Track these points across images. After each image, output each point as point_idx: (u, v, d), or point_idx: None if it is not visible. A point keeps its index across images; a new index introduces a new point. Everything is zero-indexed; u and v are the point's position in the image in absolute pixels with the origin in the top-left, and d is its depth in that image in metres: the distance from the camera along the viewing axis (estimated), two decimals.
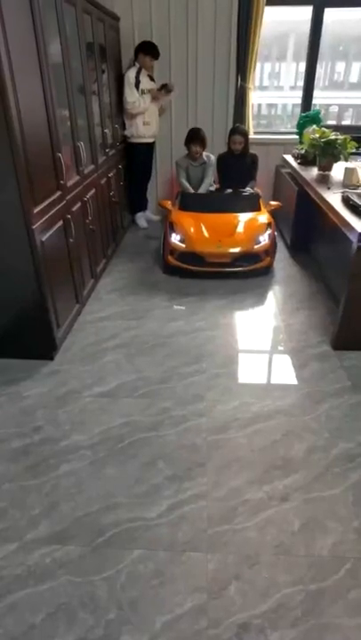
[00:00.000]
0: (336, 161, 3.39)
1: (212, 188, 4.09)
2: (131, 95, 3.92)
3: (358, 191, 2.79)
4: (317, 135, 3.41)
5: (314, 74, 4.51)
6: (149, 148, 4.34)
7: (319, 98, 6.61)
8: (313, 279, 3.45)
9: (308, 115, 4.09)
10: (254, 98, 4.55)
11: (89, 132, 3.09)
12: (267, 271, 3.50)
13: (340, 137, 3.31)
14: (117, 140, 3.98)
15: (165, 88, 4.14)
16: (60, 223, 2.47)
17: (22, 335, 2.41)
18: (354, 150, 3.77)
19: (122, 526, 1.58)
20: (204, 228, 3.41)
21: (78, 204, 2.80)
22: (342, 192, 2.79)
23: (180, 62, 4.28)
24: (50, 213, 2.31)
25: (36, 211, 2.14)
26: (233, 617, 1.32)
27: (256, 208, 3.69)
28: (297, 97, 4.72)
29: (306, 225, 3.77)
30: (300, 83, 4.65)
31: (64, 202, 2.53)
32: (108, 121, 3.67)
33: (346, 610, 1.34)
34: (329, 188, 3.00)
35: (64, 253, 2.56)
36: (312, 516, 1.61)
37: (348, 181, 3.06)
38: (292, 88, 5.80)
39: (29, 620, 1.32)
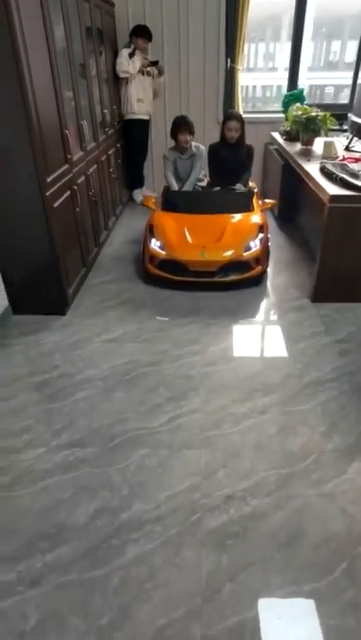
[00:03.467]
0: (317, 136, 3.69)
1: (203, 183, 3.82)
2: (120, 58, 4.15)
3: (334, 161, 3.11)
4: (300, 112, 3.70)
5: (299, 53, 4.77)
6: (145, 125, 4.61)
7: (314, 79, 6.80)
8: (297, 246, 3.77)
9: (292, 94, 4.37)
10: (248, 79, 4.81)
11: (90, 111, 3.38)
12: (258, 281, 3.11)
13: (321, 114, 3.61)
14: (115, 120, 4.25)
15: (156, 65, 4.40)
16: (68, 193, 2.78)
17: (37, 293, 2.74)
18: (336, 127, 4.10)
19: (130, 433, 1.94)
20: (187, 233, 3.06)
21: (82, 178, 3.10)
22: (320, 162, 3.11)
23: (171, 45, 4.53)
24: (59, 183, 2.62)
25: (48, 180, 2.45)
26: (220, 491, 1.68)
27: (248, 208, 3.36)
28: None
29: (291, 197, 4.08)
30: (306, 63, 4.88)
31: (71, 174, 2.83)
32: (108, 101, 3.95)
33: (310, 485, 1.70)
34: (309, 160, 3.31)
35: (72, 220, 2.87)
36: (286, 424, 1.97)
37: (327, 154, 3.37)
38: (287, 69, 6.01)
39: (59, 496, 1.68)
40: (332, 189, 2.62)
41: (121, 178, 4.50)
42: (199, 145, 3.65)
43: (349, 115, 4.20)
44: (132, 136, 4.57)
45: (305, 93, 4.43)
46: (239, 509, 1.61)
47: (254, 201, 3.44)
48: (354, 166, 3.03)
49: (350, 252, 2.70)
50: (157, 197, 3.77)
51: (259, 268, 3.05)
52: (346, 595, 1.36)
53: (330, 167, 2.90)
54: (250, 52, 6.16)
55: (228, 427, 1.96)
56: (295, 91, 4.47)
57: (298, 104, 4.00)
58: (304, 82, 5.81)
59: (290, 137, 4.01)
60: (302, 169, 3.20)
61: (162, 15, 4.40)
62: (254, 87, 6.97)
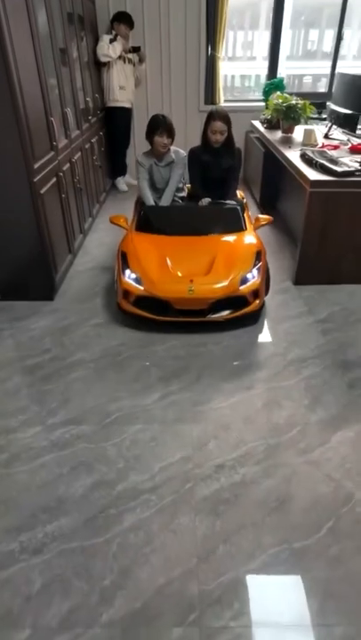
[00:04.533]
0: (297, 124, 3.77)
1: (183, 194, 3.24)
2: (100, 42, 4.14)
3: (314, 148, 3.20)
4: (280, 101, 3.77)
5: (279, 42, 4.83)
6: (127, 114, 4.62)
7: (293, 68, 6.85)
8: (280, 232, 3.86)
9: (272, 82, 4.44)
10: (228, 69, 4.85)
11: (74, 99, 3.38)
12: (255, 318, 2.60)
13: (301, 102, 3.69)
14: (98, 108, 4.25)
15: (138, 52, 4.40)
16: (54, 180, 2.81)
17: (25, 279, 2.76)
18: (316, 115, 4.19)
19: (124, 411, 2.00)
20: (169, 262, 2.50)
21: (67, 165, 3.12)
22: (300, 149, 3.19)
23: (152, 33, 4.54)
24: (46, 170, 2.64)
25: (35, 166, 2.47)
26: (212, 461, 1.77)
27: (240, 226, 2.81)
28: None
29: (273, 184, 4.16)
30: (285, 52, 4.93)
31: (56, 161, 2.85)
32: (90, 89, 3.95)
33: (296, 453, 1.80)
34: (290, 147, 3.39)
35: (58, 206, 2.90)
36: (272, 399, 2.06)
37: (307, 141, 3.45)
38: (266, 58, 6.02)
39: (58, 471, 1.74)
40: (313, 175, 2.71)
41: (104, 166, 4.51)
42: (179, 150, 3.08)
43: (328, 103, 4.29)
44: (115, 124, 4.57)
45: (285, 82, 4.50)
46: (230, 477, 1.70)
47: (246, 217, 2.95)
48: (333, 153, 3.12)
49: (330, 235, 2.80)
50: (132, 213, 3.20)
51: (257, 303, 2.51)
52: (331, 550, 1.46)
53: (310, 154, 2.99)
54: (229, 40, 6.17)
55: (217, 402, 2.04)
56: (275, 79, 4.54)
57: (278, 92, 4.06)
58: (283, 71, 5.88)
59: (270, 125, 4.08)
60: (283, 156, 3.27)
61: (142, 2, 4.39)
62: (233, 77, 7.00)
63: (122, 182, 4.94)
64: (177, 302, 2.40)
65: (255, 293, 2.50)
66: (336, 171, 2.68)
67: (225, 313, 2.46)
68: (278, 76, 4.87)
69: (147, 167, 3.05)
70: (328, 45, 5.18)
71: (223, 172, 3.05)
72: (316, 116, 4.17)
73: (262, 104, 4.70)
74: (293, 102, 3.68)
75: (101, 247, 3.60)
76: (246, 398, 2.06)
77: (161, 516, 1.57)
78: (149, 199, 3.04)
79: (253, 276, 2.50)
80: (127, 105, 4.57)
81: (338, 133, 3.75)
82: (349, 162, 2.86)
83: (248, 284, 2.47)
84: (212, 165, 3.02)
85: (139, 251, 2.57)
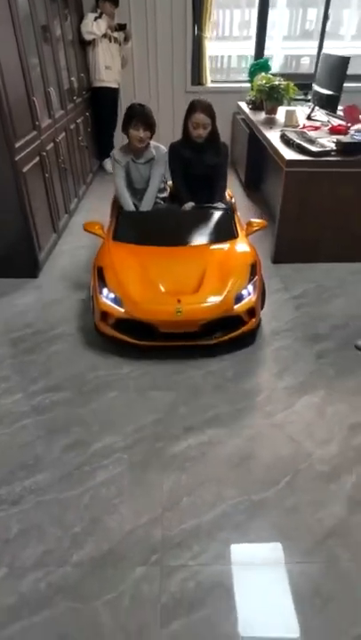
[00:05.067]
0: (280, 105, 3.82)
1: (165, 194, 2.96)
2: (85, 19, 4.15)
3: (295, 129, 3.26)
4: (264, 82, 3.81)
5: (265, 21, 4.83)
6: (113, 94, 4.64)
7: (290, 48, 6.76)
8: (262, 212, 3.93)
9: (258, 62, 4.46)
10: (223, 49, 4.84)
11: (57, 78, 3.41)
12: (252, 337, 2.34)
13: (284, 83, 3.73)
14: (84, 89, 4.28)
15: (124, 30, 4.41)
16: (37, 159, 2.87)
17: (9, 256, 2.84)
18: (301, 97, 4.22)
19: (102, 379, 2.11)
20: (152, 278, 2.22)
21: (51, 145, 3.17)
22: (281, 130, 3.25)
23: (138, 12, 4.54)
24: (28, 149, 2.70)
25: (17, 145, 2.53)
26: (181, 424, 1.88)
27: (231, 233, 2.52)
28: (269, 47, 5.00)
29: (257, 165, 4.22)
30: (273, 32, 4.91)
31: (39, 141, 2.91)
32: (75, 69, 3.97)
33: (262, 416, 1.91)
34: (271, 128, 3.45)
35: (41, 186, 2.96)
36: (242, 368, 2.17)
37: (289, 122, 3.51)
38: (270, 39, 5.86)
39: (36, 433, 1.85)
40: (289, 155, 2.78)
41: (91, 147, 4.55)
42: (159, 145, 2.75)
43: (313, 84, 4.33)
44: (101, 105, 4.60)
45: (281, 63, 4.52)
46: (197, 438, 1.81)
47: (237, 221, 2.65)
48: (312, 134, 3.18)
49: (307, 215, 2.88)
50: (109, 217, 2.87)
51: (253, 322, 2.24)
52: (288, 501, 1.59)
53: (289, 134, 3.05)
54: (224, 19, 6.11)
55: (190, 372, 2.15)
56: (261, 59, 4.56)
57: (263, 73, 4.10)
58: (279, 51, 5.86)
59: (255, 106, 4.13)
60: (265, 136, 3.33)
61: None
62: (230, 57, 6.92)
63: (108, 164, 4.97)
64: (163, 325, 2.11)
65: (251, 311, 2.21)
66: (312, 151, 2.75)
67: (218, 334, 2.19)
68: (273, 56, 4.88)
69: (123, 164, 2.70)
70: (328, 24, 5.08)
71: (207, 170, 2.73)
72: (302, 97, 4.21)
73: (249, 85, 4.74)
74: (276, 83, 3.72)
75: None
76: (219, 368, 2.17)
77: (131, 473, 1.69)
78: (128, 203, 2.73)
79: (249, 293, 2.20)
80: (113, 85, 4.58)
81: (321, 115, 3.80)
82: (326, 142, 2.93)
83: (243, 302, 2.18)
84: (194, 162, 2.71)
85: (117, 265, 2.26)
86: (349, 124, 3.29)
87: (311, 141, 2.91)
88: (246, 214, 3.83)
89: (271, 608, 1.30)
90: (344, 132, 3.18)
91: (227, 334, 2.20)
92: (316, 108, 3.76)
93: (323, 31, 4.86)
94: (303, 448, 1.78)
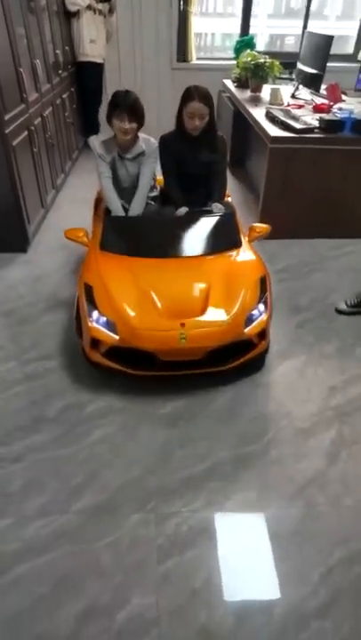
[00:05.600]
0: (265, 82, 3.86)
1: (155, 193, 2.62)
2: None
3: (279, 107, 3.32)
4: (249, 59, 3.84)
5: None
6: (98, 69, 4.60)
7: (275, 27, 6.71)
8: (247, 189, 4.01)
9: (243, 40, 4.47)
10: (208, 26, 4.80)
11: (43, 51, 3.39)
12: (261, 361, 2.09)
13: (269, 60, 3.77)
14: (69, 63, 4.24)
15: (108, 1, 4.35)
16: (26, 133, 2.88)
17: None
18: (287, 75, 4.26)
19: None
20: (154, 298, 1.91)
21: (39, 119, 3.17)
22: (266, 108, 3.31)
23: None
24: (17, 122, 2.71)
25: (6, 118, 2.54)
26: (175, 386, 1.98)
27: (234, 242, 2.24)
28: (254, 25, 4.98)
29: (242, 142, 4.27)
30: (258, 10, 4.89)
31: (27, 114, 2.91)
32: (60, 41, 3.92)
33: (249, 378, 2.03)
34: (256, 106, 3.51)
35: (30, 160, 2.98)
36: None
37: (273, 100, 3.57)
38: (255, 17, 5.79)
39: (31, 398, 1.93)
40: (274, 131, 2.85)
41: (76, 123, 4.52)
42: (150, 138, 2.42)
43: (298, 63, 4.37)
44: (86, 81, 4.56)
45: (266, 42, 4.54)
46: (189, 397, 1.93)
47: (239, 227, 2.35)
48: (297, 112, 3.25)
49: (290, 191, 2.97)
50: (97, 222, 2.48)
51: (263, 345, 1.99)
52: (271, 454, 1.71)
53: (274, 112, 3.12)
54: None
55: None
56: (246, 37, 4.57)
57: (248, 50, 4.12)
58: (264, 30, 5.84)
59: (240, 84, 4.16)
60: (249, 114, 3.39)
61: None
62: (213, 35, 6.84)
63: (95, 141, 4.95)
64: (164, 354, 1.84)
65: (262, 333, 1.95)
66: (295, 127, 2.83)
67: (227, 362, 1.93)
68: (258, 35, 4.88)
69: (108, 160, 2.37)
70: (313, 4, 5.09)
71: (203, 168, 2.43)
72: (286, 76, 4.25)
73: (234, 62, 4.75)
74: (261, 61, 3.76)
75: (74, 203, 3.69)
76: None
77: (125, 431, 1.79)
78: (117, 207, 2.41)
79: (260, 313, 1.94)
80: (98, 60, 4.54)
81: (305, 93, 3.86)
82: (310, 120, 3.00)
83: (254, 323, 1.91)
84: (188, 159, 2.39)
85: (109, 284, 1.95)
86: (332, 103, 3.37)
87: (295, 119, 2.99)
88: (232, 194, 3.90)
89: (252, 558, 1.42)
90: (327, 110, 3.25)
91: (236, 360, 1.93)
92: (301, 86, 3.82)
93: (308, 10, 4.88)
94: (285, 407, 1.91)
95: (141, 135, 2.40)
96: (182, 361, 1.89)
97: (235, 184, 4.13)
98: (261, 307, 1.97)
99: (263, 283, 2.04)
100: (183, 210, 2.41)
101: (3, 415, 1.86)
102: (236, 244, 2.23)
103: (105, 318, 1.87)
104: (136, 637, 1.22)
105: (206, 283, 1.98)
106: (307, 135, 2.83)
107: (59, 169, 3.81)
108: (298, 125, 2.84)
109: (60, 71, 3.87)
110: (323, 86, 3.58)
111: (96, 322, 1.88)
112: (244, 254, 2.20)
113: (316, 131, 2.88)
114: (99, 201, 2.68)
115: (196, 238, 2.25)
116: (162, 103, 4.78)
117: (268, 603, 1.30)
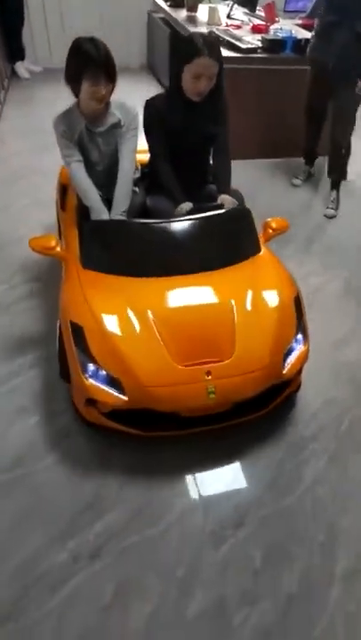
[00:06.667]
0: (200, 2, 3.83)
1: (137, 174, 2.00)
2: None
3: (219, 27, 3.37)
4: None
5: None
6: None
7: None
8: None
9: None
10: None
11: None
12: (292, 399, 1.72)
13: None
14: None
15: None
16: None
17: None
18: None
19: None
20: (166, 337, 1.45)
21: None
22: (207, 28, 3.34)
23: None
24: None
25: None
26: None
27: (253, 247, 1.76)
28: None
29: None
30: None
31: None
32: None
33: None
34: (195, 26, 3.51)
35: None
36: None
37: (211, 20, 3.58)
38: None
39: (33, 315, 2.05)
40: (222, 52, 2.93)
41: (1, 49, 4.22)
42: (124, 103, 1.84)
43: None
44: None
45: None
46: None
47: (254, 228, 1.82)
48: (236, 32, 3.32)
49: (236, 112, 3.09)
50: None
51: (298, 380, 1.66)
52: None
53: (216, 32, 3.17)
54: None
55: None
56: None
57: None
58: None
59: (175, 2, 4.07)
60: None
61: None
62: None
63: (22, 68, 4.66)
64: (187, 411, 1.46)
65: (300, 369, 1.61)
66: (241, 47, 2.93)
67: (259, 407, 1.55)
68: None
69: (75, 139, 1.78)
70: None
71: (201, 144, 1.93)
72: None
73: None
74: None
75: (25, 137, 3.54)
76: None
77: None
78: (99, 206, 1.78)
79: (299, 344, 1.59)
80: None
81: (239, 14, 3.89)
82: (252, 40, 3.11)
83: (293, 359, 1.55)
84: (184, 132, 1.84)
85: (106, 321, 1.46)
86: (269, 24, 3.47)
87: (238, 39, 3.08)
88: None
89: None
90: (265, 30, 3.36)
91: (270, 403, 1.56)
92: (235, 6, 3.84)
93: None
94: None
95: (113, 100, 1.80)
96: (206, 415, 1.48)
97: None
98: (300, 336, 1.59)
99: (298, 303, 1.65)
100: (186, 206, 1.79)
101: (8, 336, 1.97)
102: (255, 250, 1.76)
103: (105, 372, 1.41)
104: None
105: (229, 308, 1.53)
106: (252, 55, 2.95)
107: None
108: (243, 45, 2.95)
109: None
110: (258, 7, 3.64)
111: (93, 378, 1.42)
112: (268, 264, 1.74)
113: (259, 51, 3.00)
114: (65, 187, 2.06)
115: (208, 246, 1.70)
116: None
117: None
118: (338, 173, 2.96)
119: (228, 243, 1.75)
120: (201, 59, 1.67)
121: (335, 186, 2.96)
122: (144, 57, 5.13)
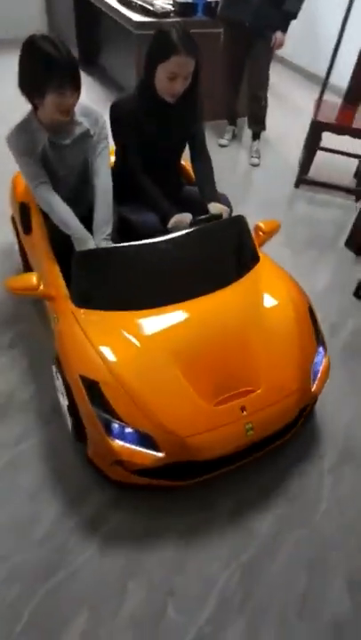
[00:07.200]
0: None
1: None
2: None
3: None
4: None
5: None
6: None
7: None
8: (108, 85, 4.02)
9: None
10: None
11: None
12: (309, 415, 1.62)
13: None
14: None
15: None
16: None
17: None
18: None
19: None
20: (189, 375, 1.32)
21: None
22: None
23: None
24: None
25: None
26: None
27: (252, 257, 1.63)
28: None
29: (90, 35, 4.15)
30: None
31: None
32: None
33: None
34: None
35: None
36: None
37: None
38: None
39: None
40: (136, 17, 2.97)
41: None
42: (89, 107, 1.61)
43: None
44: None
45: None
46: None
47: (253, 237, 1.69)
48: None
49: None
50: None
51: (317, 394, 1.51)
52: None
53: None
54: None
55: None
56: None
57: None
58: None
59: None
60: (101, 1, 3.37)
61: None
62: None
63: None
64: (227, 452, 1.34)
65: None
66: (156, 12, 2.98)
67: (286, 430, 1.45)
68: None
69: (37, 154, 1.52)
70: None
71: (177, 147, 1.82)
72: None
73: None
74: None
75: None
76: None
77: None
78: (80, 232, 1.55)
79: (321, 358, 1.51)
80: None
81: None
82: (163, 4, 3.16)
83: (319, 372, 1.48)
84: (158, 136, 1.69)
85: (125, 372, 1.30)
86: None
87: (150, 4, 3.12)
88: (91, 93, 3.87)
89: None
90: None
91: (291, 429, 1.47)
92: None
93: None
94: None
95: (80, 105, 1.52)
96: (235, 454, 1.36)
97: (92, 84, 4.10)
98: (321, 349, 1.51)
99: (312, 313, 1.55)
100: (184, 218, 1.60)
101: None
102: (255, 259, 1.63)
103: (132, 430, 1.27)
104: None
105: (241, 331, 1.41)
106: (166, 20, 3.01)
107: None
108: (158, 10, 3.00)
109: None
110: None
111: (120, 438, 1.27)
112: (272, 273, 1.61)
113: (172, 15, 3.07)
114: (26, 206, 1.76)
115: (211, 263, 1.55)
116: None
117: None
118: (259, 125, 3.21)
119: (230, 256, 1.60)
120: (177, 57, 1.49)
121: (256, 137, 3.26)
122: (44, 23, 4.83)
